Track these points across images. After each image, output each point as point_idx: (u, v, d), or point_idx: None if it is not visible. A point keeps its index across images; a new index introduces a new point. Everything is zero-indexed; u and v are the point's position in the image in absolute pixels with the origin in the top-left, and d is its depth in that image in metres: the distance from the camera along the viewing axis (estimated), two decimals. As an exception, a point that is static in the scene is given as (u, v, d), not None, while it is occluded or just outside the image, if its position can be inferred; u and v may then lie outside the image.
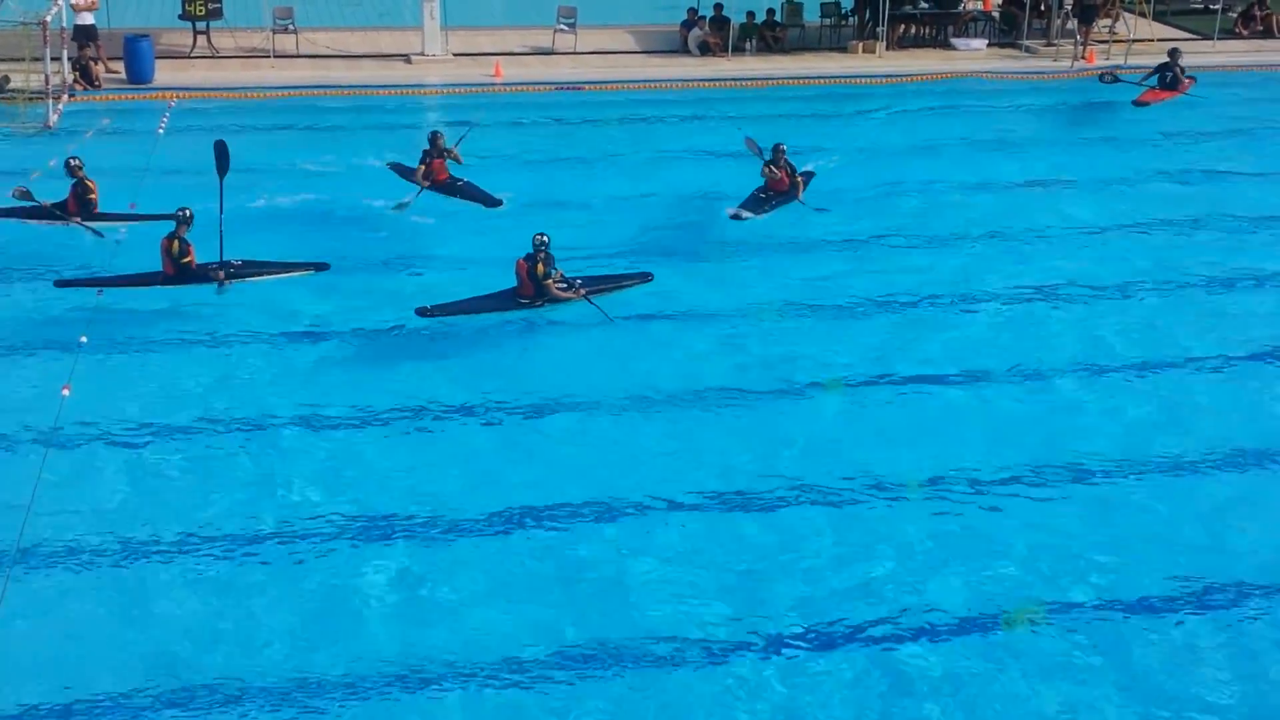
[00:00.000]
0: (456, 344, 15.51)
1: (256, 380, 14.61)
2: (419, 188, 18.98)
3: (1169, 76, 25.42)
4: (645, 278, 16.80)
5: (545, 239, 15.56)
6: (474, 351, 15.43)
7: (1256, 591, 11.43)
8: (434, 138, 19.17)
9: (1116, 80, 26.05)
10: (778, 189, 19.00)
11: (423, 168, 19.02)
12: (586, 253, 17.44)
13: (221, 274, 15.80)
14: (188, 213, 15.89)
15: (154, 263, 15.93)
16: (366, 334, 15.80)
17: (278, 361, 15.10)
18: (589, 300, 15.76)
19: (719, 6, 28.93)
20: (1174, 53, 25.80)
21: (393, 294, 16.56)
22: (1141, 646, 10.74)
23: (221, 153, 16.51)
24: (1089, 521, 12.40)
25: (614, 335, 15.67)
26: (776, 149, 19.14)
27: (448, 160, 19.11)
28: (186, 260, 15.80)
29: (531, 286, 15.63)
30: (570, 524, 12.15)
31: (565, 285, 15.83)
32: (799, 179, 19.27)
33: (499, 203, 18.84)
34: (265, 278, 16.35)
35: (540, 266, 15.49)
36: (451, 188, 19.07)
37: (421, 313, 15.48)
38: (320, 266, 16.80)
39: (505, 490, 12.60)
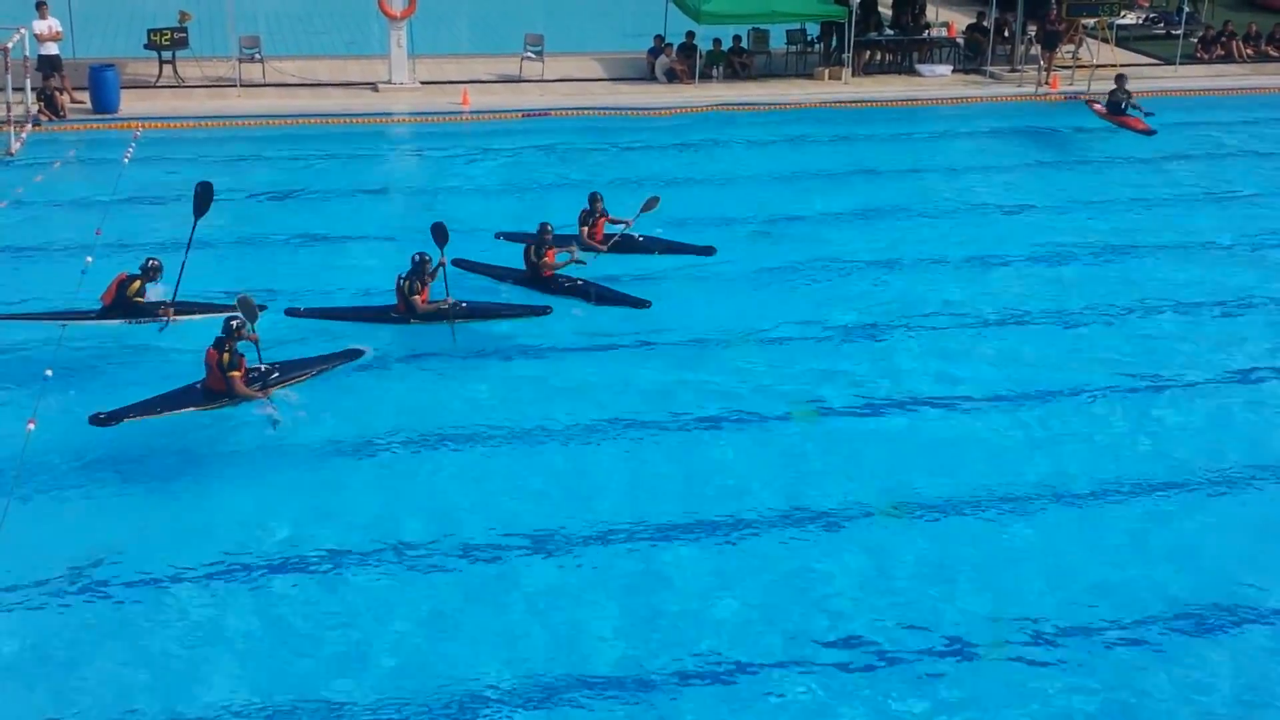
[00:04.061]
0: (377, 377, 15.38)
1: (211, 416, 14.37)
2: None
3: (1122, 102, 25.66)
4: (544, 310, 16.57)
5: (425, 258, 15.97)
6: (407, 387, 15.32)
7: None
8: (593, 199, 18.39)
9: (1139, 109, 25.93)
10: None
11: (585, 230, 18.27)
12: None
13: (171, 312, 15.69)
14: (156, 263, 15.79)
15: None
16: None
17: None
18: (450, 322, 15.98)
19: (691, 34, 29.05)
20: (1120, 79, 26.03)
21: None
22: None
23: (204, 196, 16.15)
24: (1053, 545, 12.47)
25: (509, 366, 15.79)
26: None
27: (605, 222, 18.41)
28: (137, 300, 15.67)
29: (403, 303, 16.08)
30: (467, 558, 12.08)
31: (445, 305, 16.05)
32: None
33: (711, 250, 18.55)
34: (205, 316, 16.19)
35: (408, 283, 15.94)
36: (638, 246, 18.53)
37: (291, 313, 15.88)
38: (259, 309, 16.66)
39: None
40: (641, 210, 18.49)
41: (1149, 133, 25.11)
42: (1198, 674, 10.76)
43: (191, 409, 13.76)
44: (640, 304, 16.98)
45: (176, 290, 15.67)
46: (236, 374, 13.74)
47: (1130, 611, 11.41)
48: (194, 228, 16.05)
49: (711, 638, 11.00)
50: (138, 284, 15.62)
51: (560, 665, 10.63)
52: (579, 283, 17.12)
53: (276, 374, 14.36)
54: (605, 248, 18.04)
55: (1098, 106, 26.05)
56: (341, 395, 14.81)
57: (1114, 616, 11.33)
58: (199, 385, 13.92)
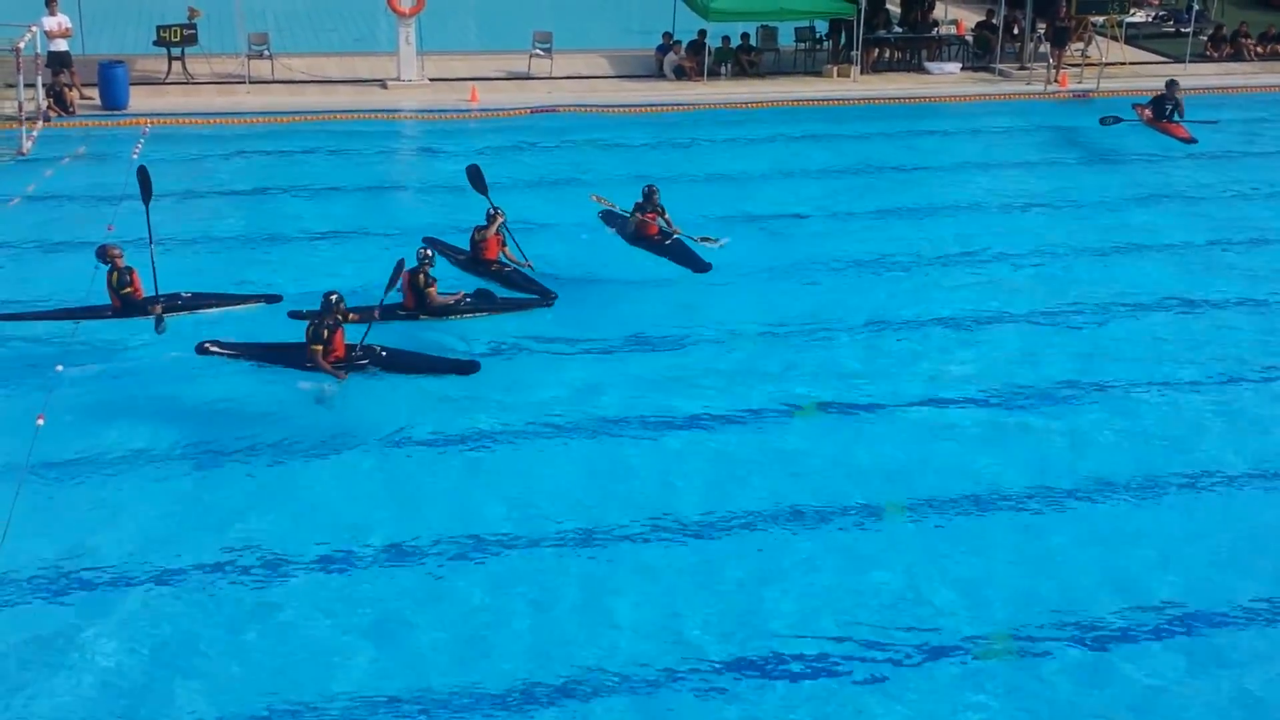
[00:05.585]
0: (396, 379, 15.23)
1: (224, 410, 14.41)
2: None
3: (1169, 108, 25.55)
4: (546, 302, 16.90)
5: (429, 252, 16.21)
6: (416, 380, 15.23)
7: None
8: (648, 192, 18.72)
9: (1118, 121, 25.93)
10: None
11: (635, 219, 18.64)
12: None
13: (158, 309, 15.62)
14: (110, 247, 15.96)
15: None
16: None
17: (242, 391, 14.85)
18: (455, 316, 16.22)
19: (702, 33, 29.07)
20: (1171, 84, 25.90)
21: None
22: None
23: (144, 180, 16.31)
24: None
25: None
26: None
27: (659, 219, 18.74)
28: (128, 291, 15.78)
29: (413, 298, 16.18)
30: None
31: (455, 299, 16.31)
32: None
33: (707, 267, 18.43)
34: (215, 310, 16.33)
35: (422, 278, 16.06)
36: (660, 247, 18.78)
37: (295, 315, 15.94)
38: (272, 299, 16.68)
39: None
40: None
41: (1190, 140, 25.00)
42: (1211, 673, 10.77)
43: (279, 366, 14.87)
44: (546, 295, 17.11)
45: (156, 285, 15.74)
46: (317, 348, 14.49)
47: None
48: (148, 217, 16.11)
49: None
50: (115, 275, 15.75)
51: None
52: (506, 269, 17.70)
53: (365, 360, 14.79)
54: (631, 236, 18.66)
55: (1146, 112, 25.94)
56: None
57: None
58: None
